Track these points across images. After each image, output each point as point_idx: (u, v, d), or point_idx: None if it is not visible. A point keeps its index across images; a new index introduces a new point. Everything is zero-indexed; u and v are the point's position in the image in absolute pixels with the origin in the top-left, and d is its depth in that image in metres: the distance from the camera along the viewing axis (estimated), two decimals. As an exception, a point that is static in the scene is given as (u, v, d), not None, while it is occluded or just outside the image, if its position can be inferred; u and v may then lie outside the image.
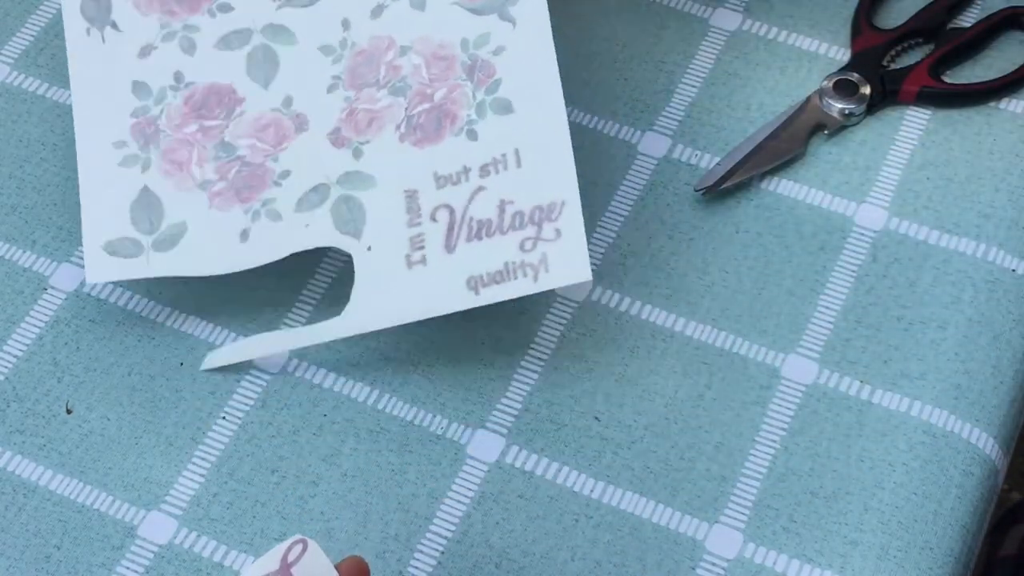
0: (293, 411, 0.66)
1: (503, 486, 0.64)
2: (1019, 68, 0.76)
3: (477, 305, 0.63)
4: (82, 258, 0.70)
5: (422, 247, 0.64)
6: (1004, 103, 0.75)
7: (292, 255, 0.67)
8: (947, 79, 0.76)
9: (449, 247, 0.64)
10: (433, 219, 0.64)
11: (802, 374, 0.67)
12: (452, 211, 0.64)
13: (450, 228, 0.64)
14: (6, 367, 0.67)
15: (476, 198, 0.64)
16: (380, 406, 0.66)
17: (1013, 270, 0.69)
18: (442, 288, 0.64)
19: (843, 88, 0.74)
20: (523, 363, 0.67)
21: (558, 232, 0.63)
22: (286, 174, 0.67)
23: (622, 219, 0.71)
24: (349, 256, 0.66)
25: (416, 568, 0.62)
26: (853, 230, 0.71)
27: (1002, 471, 0.67)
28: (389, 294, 0.64)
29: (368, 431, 0.65)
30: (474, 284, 0.63)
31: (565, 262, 0.63)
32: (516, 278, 0.63)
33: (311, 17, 0.68)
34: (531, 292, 0.63)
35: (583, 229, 0.63)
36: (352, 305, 0.65)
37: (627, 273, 0.70)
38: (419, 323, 0.68)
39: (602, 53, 0.77)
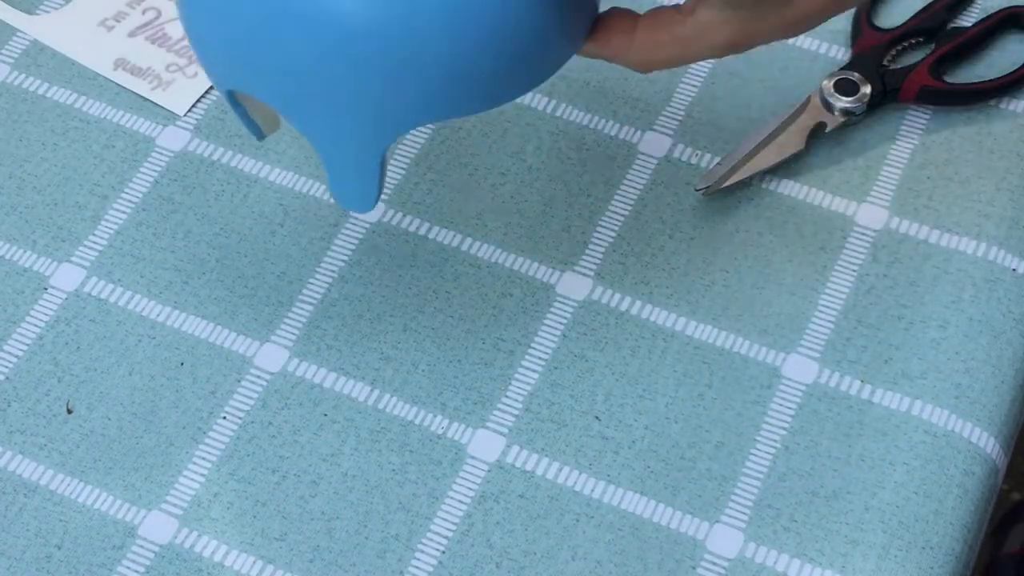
0: (293, 411, 0.66)
1: (503, 486, 0.64)
2: (1019, 68, 0.76)
3: None
4: (82, 258, 0.70)
5: None
6: (1004, 103, 0.75)
7: (291, 255, 0.67)
8: (947, 79, 0.76)
9: None
10: None
11: (803, 373, 0.67)
12: None
13: None
14: (6, 367, 0.67)
15: None
16: (380, 406, 0.66)
17: (1013, 269, 0.69)
18: None
19: (843, 87, 0.74)
20: (523, 363, 0.67)
21: None
22: None
23: (622, 219, 0.71)
24: (349, 256, 0.66)
25: (416, 567, 0.62)
26: (853, 230, 0.71)
27: (1002, 470, 0.66)
28: None
29: (368, 431, 0.65)
30: None
31: None
32: None
33: None
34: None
35: None
36: None
37: (627, 273, 0.70)
38: (419, 321, 0.68)
39: (602, 53, 0.77)
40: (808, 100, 0.74)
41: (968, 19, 0.78)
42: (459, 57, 0.58)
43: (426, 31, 0.57)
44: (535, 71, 0.60)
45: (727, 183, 0.72)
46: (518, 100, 0.75)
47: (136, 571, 0.62)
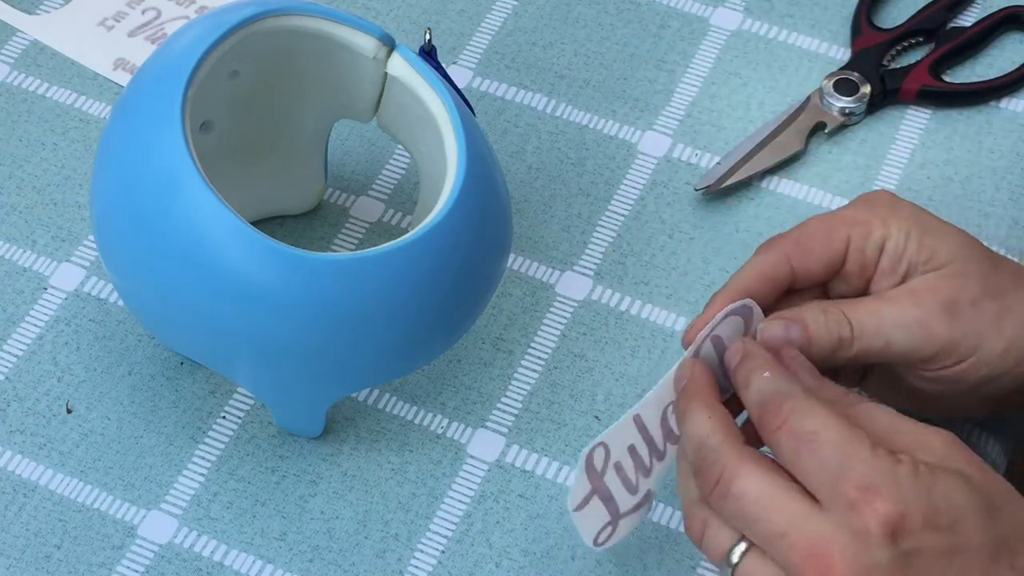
0: (293, 411, 0.66)
1: (503, 485, 0.64)
2: (1019, 68, 0.76)
3: None
4: (82, 258, 0.70)
5: None
6: (1004, 103, 0.75)
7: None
8: (947, 78, 0.76)
9: None
10: None
11: (802, 373, 0.67)
12: None
13: None
14: (6, 367, 0.67)
15: None
16: (380, 406, 0.66)
17: (1013, 269, 0.69)
18: None
19: (843, 87, 0.74)
20: (523, 363, 0.67)
21: None
22: None
23: (622, 219, 0.71)
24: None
25: (416, 567, 0.62)
26: (853, 229, 0.71)
27: (1001, 471, 0.66)
28: None
29: (368, 431, 0.65)
30: None
31: None
32: None
33: None
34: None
35: None
36: None
37: (627, 273, 0.70)
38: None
39: (602, 53, 0.77)
40: (808, 100, 0.74)
41: (968, 19, 0.78)
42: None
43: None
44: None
45: (727, 183, 0.72)
46: (517, 100, 0.75)
47: (136, 571, 0.62)
